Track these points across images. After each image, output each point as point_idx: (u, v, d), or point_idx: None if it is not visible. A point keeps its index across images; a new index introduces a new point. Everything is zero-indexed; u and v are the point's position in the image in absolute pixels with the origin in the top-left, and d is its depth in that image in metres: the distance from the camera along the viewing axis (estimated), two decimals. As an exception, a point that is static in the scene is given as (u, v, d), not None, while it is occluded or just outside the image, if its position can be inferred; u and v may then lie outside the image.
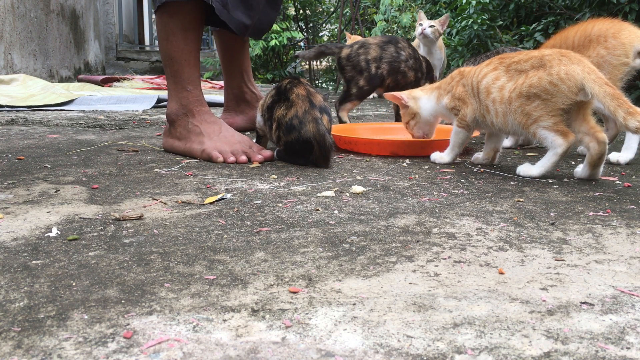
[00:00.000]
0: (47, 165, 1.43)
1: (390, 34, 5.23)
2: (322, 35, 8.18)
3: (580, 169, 1.32)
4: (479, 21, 3.81)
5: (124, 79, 5.11)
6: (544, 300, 0.65)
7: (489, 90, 1.36)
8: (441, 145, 1.62)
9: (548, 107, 1.26)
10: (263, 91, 2.09)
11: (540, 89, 1.26)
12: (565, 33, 1.61)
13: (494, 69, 1.37)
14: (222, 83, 4.85)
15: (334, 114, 1.81)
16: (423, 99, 1.56)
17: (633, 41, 1.49)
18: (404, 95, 1.59)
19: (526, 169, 1.34)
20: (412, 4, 5.36)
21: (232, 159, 1.50)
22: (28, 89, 3.48)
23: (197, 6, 1.58)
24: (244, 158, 1.50)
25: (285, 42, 6.91)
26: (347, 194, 1.16)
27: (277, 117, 1.47)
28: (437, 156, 1.53)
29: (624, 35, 1.49)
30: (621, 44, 1.49)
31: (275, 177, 1.32)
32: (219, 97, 3.16)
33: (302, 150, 1.44)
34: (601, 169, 1.29)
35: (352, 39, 3.80)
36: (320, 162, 1.43)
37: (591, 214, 1.02)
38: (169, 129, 1.66)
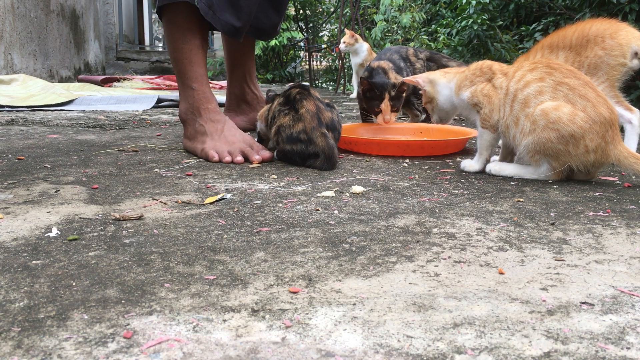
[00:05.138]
0: (47, 165, 1.43)
1: (390, 35, 5.22)
2: (322, 35, 8.18)
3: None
4: (479, 21, 3.81)
5: (124, 79, 5.11)
6: (544, 300, 0.65)
7: (527, 102, 1.24)
8: (441, 146, 1.62)
9: (565, 156, 1.22)
10: (264, 91, 2.08)
11: (574, 141, 1.20)
12: (563, 32, 1.61)
13: (540, 79, 1.24)
14: (222, 83, 4.85)
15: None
16: (441, 84, 1.44)
17: (630, 42, 1.49)
18: (421, 79, 1.49)
19: (498, 168, 1.33)
20: (412, 4, 5.35)
21: (227, 158, 1.50)
22: (28, 89, 3.48)
23: (190, 7, 1.59)
24: (239, 158, 1.50)
25: (285, 42, 6.91)
26: (347, 194, 1.16)
27: (279, 123, 1.46)
28: (467, 164, 1.40)
29: (621, 36, 1.49)
30: (618, 45, 1.49)
31: (275, 177, 1.32)
32: (219, 97, 3.17)
33: (303, 160, 1.44)
34: None
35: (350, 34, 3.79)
36: (324, 169, 1.42)
37: (591, 214, 1.02)
38: (184, 129, 1.69)
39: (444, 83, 1.44)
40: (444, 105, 1.46)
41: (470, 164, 1.39)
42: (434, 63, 2.34)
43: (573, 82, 1.22)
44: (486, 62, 1.38)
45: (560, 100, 1.21)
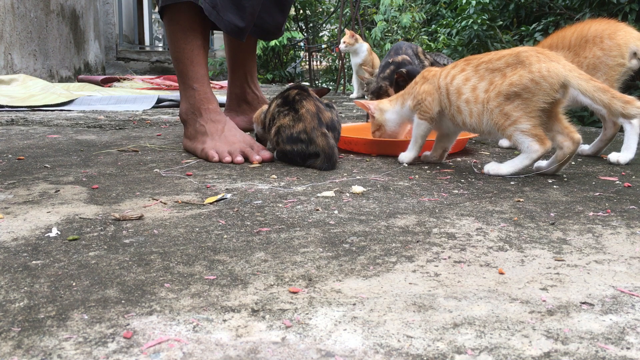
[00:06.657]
0: (47, 165, 1.43)
1: (390, 35, 5.22)
2: (322, 35, 8.18)
3: (545, 164, 1.34)
4: (479, 21, 3.81)
5: (124, 79, 5.12)
6: (544, 300, 0.65)
7: (460, 91, 1.34)
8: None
9: (528, 107, 1.24)
10: (264, 91, 2.08)
11: (521, 87, 1.24)
12: (562, 33, 1.61)
13: (462, 71, 1.35)
14: (222, 83, 4.85)
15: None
16: (389, 112, 1.56)
17: (629, 42, 1.49)
18: (372, 105, 1.59)
19: (495, 168, 1.35)
20: (412, 4, 5.35)
21: (227, 158, 1.50)
22: (28, 89, 3.48)
23: (193, 7, 1.59)
24: (239, 159, 1.50)
25: (285, 42, 6.91)
26: (347, 194, 1.16)
27: (279, 124, 1.46)
28: (403, 156, 1.49)
29: (619, 36, 1.49)
30: (617, 45, 1.49)
31: (275, 177, 1.32)
32: (219, 97, 3.17)
33: (303, 160, 1.44)
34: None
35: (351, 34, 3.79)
36: (324, 169, 1.42)
37: (591, 214, 1.02)
38: (184, 129, 1.69)
39: (391, 109, 1.56)
40: (393, 128, 1.58)
41: (405, 155, 1.48)
42: None
43: (487, 57, 1.33)
44: (420, 73, 1.49)
45: (487, 77, 1.30)
